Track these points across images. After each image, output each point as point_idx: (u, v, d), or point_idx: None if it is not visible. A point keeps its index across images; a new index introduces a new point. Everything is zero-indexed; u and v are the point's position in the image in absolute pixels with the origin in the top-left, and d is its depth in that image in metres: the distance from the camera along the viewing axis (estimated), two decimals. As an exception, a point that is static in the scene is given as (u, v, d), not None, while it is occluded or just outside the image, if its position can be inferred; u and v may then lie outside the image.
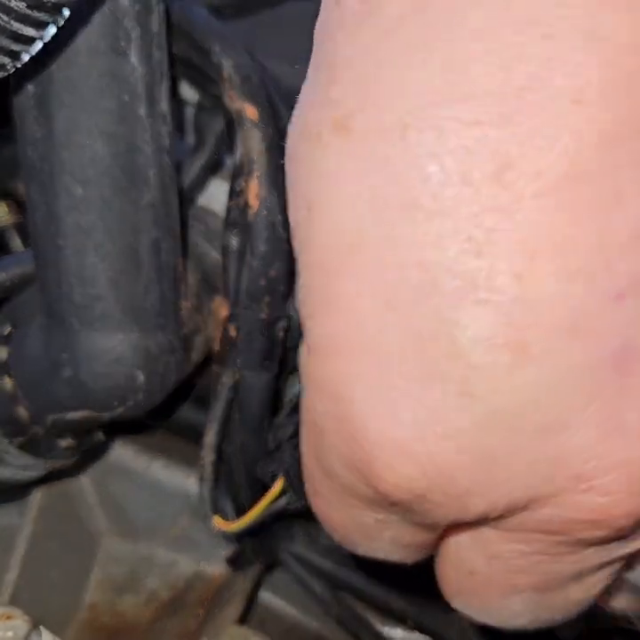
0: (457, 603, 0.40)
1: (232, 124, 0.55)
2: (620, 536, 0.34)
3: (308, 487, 0.39)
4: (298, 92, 0.35)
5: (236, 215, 0.55)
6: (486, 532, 0.36)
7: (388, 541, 0.38)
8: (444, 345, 0.31)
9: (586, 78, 0.30)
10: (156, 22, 0.51)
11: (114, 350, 0.52)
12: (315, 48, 0.35)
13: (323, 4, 0.34)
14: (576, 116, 0.30)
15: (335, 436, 0.34)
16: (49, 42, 0.43)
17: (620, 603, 0.43)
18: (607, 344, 0.31)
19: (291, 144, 0.35)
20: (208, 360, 0.59)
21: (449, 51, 0.31)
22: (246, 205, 0.54)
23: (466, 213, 0.31)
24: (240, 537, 0.64)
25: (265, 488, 0.57)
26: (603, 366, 0.31)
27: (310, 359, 0.35)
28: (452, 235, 0.31)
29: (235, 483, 0.60)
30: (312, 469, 0.38)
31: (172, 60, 0.53)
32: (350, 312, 0.33)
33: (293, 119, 0.35)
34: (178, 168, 0.55)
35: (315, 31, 0.35)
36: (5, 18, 0.41)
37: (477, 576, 0.37)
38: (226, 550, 0.67)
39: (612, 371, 0.31)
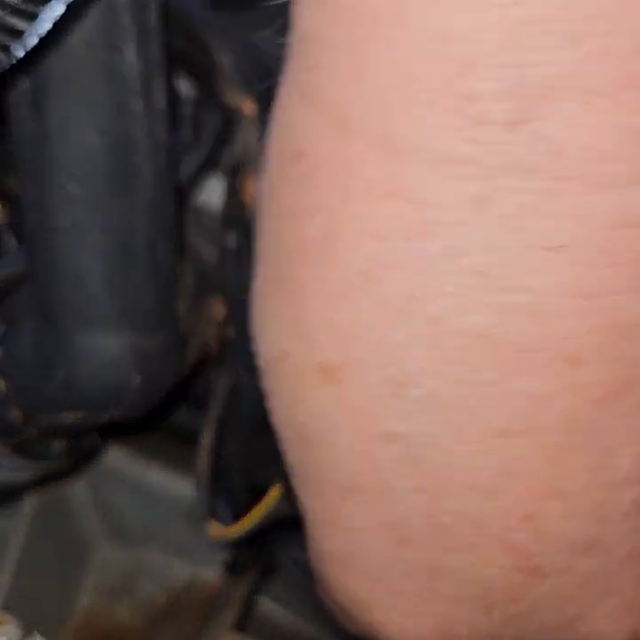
0: None
1: (230, 121, 0.55)
2: None
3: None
4: None
5: (234, 213, 0.55)
6: None
7: None
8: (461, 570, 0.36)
9: (578, 339, 0.31)
10: (153, 17, 0.50)
11: (109, 351, 0.51)
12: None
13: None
14: (571, 376, 0.31)
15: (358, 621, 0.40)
16: (44, 37, 0.43)
17: None
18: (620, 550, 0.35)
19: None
20: (205, 362, 0.59)
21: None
22: (244, 203, 0.54)
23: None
24: (237, 542, 0.63)
25: (263, 492, 0.56)
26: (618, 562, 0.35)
27: (326, 567, 0.39)
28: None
29: (232, 487, 0.60)
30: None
31: (170, 56, 0.53)
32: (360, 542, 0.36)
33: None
34: (174, 165, 0.55)
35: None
36: (0, 13, 0.41)
37: None
38: (222, 555, 0.67)
39: (626, 562, 0.35)
